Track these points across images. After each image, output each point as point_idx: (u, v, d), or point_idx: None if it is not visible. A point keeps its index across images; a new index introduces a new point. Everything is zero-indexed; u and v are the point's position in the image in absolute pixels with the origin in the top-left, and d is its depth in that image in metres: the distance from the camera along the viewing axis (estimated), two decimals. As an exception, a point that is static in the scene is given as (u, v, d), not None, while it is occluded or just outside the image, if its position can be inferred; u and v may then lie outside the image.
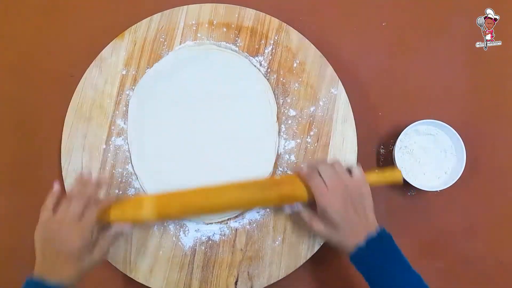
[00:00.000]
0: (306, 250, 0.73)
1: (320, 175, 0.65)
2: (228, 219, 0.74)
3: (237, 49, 0.78)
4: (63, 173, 0.75)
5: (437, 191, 0.75)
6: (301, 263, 0.72)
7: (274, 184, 0.68)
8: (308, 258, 0.73)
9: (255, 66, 0.77)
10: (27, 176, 0.79)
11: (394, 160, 0.75)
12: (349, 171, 0.66)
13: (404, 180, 0.71)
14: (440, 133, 0.76)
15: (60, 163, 0.75)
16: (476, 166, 0.77)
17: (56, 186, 0.65)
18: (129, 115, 0.76)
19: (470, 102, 0.81)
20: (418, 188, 0.73)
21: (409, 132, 0.75)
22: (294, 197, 0.67)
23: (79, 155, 0.75)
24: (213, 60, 0.77)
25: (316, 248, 0.73)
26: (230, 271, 0.72)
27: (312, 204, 0.66)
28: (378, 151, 0.80)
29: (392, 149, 0.77)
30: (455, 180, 0.73)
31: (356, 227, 0.63)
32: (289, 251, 0.73)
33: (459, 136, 0.74)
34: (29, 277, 0.60)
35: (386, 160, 0.79)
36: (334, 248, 0.65)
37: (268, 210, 0.74)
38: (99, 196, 0.67)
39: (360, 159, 0.75)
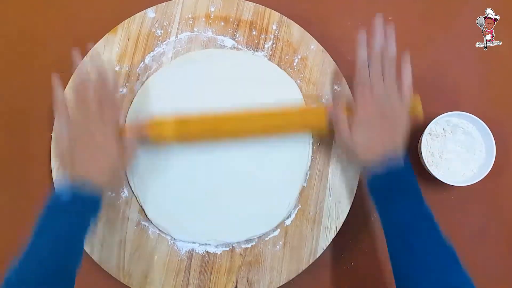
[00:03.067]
0: (308, 255, 0.70)
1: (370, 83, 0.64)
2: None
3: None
4: (53, 174, 0.72)
5: (455, 187, 0.72)
6: (303, 269, 0.70)
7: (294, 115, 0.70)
8: (310, 263, 0.70)
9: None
10: (15, 177, 0.76)
11: (420, 149, 0.72)
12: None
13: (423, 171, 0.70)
14: (473, 129, 0.73)
15: (50, 164, 0.72)
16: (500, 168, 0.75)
17: (55, 80, 0.64)
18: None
19: (477, 101, 0.79)
20: (439, 181, 0.71)
21: (440, 122, 0.73)
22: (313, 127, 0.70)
23: (70, 155, 0.72)
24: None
25: (319, 253, 0.70)
26: (228, 276, 0.70)
27: None
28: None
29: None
30: (477, 180, 0.71)
31: (383, 141, 0.62)
32: (290, 256, 0.70)
33: (491, 135, 0.72)
34: (57, 186, 0.58)
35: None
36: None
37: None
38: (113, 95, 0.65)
39: (365, 159, 0.72)
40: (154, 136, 0.67)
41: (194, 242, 0.71)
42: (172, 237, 0.71)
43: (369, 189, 0.63)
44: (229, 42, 0.75)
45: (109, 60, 0.70)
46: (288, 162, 0.72)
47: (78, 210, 0.57)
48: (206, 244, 0.71)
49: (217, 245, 0.71)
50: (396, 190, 0.60)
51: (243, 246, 0.71)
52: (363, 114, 0.63)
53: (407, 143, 0.76)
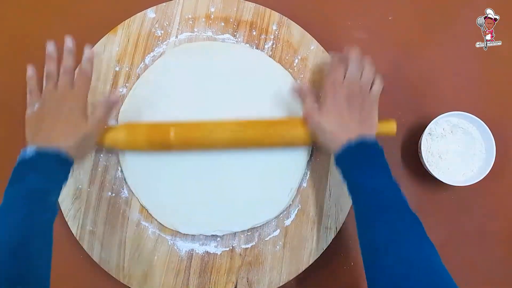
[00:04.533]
0: (308, 255, 0.70)
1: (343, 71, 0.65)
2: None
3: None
4: (53, 174, 0.71)
5: (455, 187, 0.72)
6: (303, 269, 0.70)
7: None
8: (310, 263, 0.70)
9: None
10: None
11: (420, 149, 0.72)
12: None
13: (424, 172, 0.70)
14: (473, 129, 0.73)
15: (51, 164, 0.72)
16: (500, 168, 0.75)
17: (30, 71, 0.66)
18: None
19: (479, 101, 0.79)
20: (439, 181, 0.71)
21: (440, 122, 0.73)
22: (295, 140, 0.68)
23: (70, 155, 0.72)
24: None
25: (319, 253, 0.70)
26: (228, 277, 0.70)
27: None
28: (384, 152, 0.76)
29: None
30: (477, 180, 0.70)
31: (352, 128, 0.62)
32: (290, 256, 0.70)
33: (491, 135, 0.71)
34: (22, 149, 0.58)
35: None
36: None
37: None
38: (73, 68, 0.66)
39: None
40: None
41: (194, 242, 0.70)
42: (176, 232, 0.70)
43: (336, 162, 0.63)
44: (229, 42, 0.75)
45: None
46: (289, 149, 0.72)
47: (44, 165, 0.57)
48: (211, 235, 0.70)
49: (217, 245, 0.71)
50: (363, 160, 0.60)
51: (243, 246, 0.71)
52: (332, 96, 0.64)
53: (406, 143, 0.77)
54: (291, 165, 0.72)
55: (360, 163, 0.60)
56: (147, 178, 0.71)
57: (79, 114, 0.62)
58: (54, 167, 0.58)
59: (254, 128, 0.68)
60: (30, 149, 0.57)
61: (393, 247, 0.53)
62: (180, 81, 0.73)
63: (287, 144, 0.70)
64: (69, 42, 0.66)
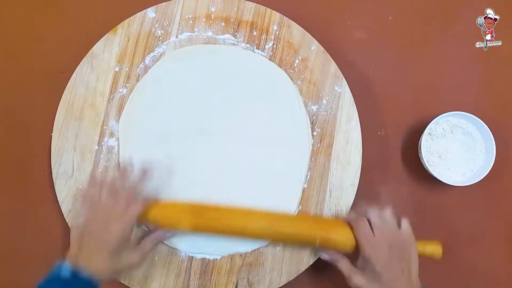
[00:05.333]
0: (308, 255, 0.70)
1: (368, 222, 0.63)
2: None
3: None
4: (53, 175, 0.72)
5: (455, 187, 0.72)
6: (303, 269, 0.70)
7: (320, 223, 0.67)
8: (310, 264, 0.70)
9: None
10: (15, 178, 0.76)
11: (420, 149, 0.72)
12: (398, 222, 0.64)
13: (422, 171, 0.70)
14: (473, 129, 0.73)
15: (50, 165, 0.72)
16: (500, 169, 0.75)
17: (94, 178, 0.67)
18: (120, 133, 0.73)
19: (479, 101, 0.78)
20: (439, 181, 0.71)
21: (440, 122, 0.73)
22: (338, 243, 0.65)
23: (70, 156, 0.72)
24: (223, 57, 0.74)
25: (319, 254, 0.69)
26: (229, 277, 0.70)
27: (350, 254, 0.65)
28: (384, 152, 0.77)
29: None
30: (477, 180, 0.71)
31: (398, 282, 0.60)
32: (290, 257, 0.70)
33: (491, 135, 0.71)
34: (60, 261, 0.58)
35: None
36: None
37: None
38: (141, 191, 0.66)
39: (365, 160, 0.72)
40: (167, 227, 0.67)
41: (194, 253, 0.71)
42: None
43: None
44: (229, 42, 0.75)
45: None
46: (288, 157, 0.72)
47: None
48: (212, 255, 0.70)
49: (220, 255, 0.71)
50: None
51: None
52: (369, 259, 0.61)
53: (406, 143, 0.77)
54: (292, 185, 0.72)
55: None
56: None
57: (123, 242, 0.61)
58: None
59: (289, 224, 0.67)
60: (66, 268, 0.57)
61: None
62: (179, 87, 0.73)
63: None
64: (146, 167, 0.67)
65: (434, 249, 0.66)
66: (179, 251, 0.70)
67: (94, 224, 0.61)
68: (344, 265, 0.64)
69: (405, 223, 0.64)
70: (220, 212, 0.66)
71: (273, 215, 0.67)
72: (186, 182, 0.71)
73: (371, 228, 0.63)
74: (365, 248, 0.62)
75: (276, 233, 0.66)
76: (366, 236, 0.62)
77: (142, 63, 0.74)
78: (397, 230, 0.63)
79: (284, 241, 0.69)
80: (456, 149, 0.73)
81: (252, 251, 0.70)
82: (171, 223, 0.66)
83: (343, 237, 0.64)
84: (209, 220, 0.66)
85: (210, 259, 0.70)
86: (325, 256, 0.67)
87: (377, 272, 0.60)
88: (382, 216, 0.64)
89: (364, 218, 0.64)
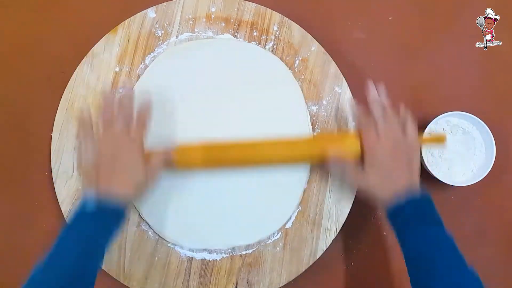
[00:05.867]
0: (308, 256, 0.70)
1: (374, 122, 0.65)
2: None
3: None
4: (53, 175, 0.71)
5: (455, 187, 0.72)
6: (303, 270, 0.70)
7: (328, 141, 0.69)
8: (310, 264, 0.70)
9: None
10: (15, 178, 0.76)
11: (420, 149, 0.72)
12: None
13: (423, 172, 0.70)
14: (473, 129, 0.74)
15: (50, 165, 0.72)
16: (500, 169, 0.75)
17: (85, 113, 0.67)
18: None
19: (478, 101, 0.79)
20: (439, 181, 0.71)
21: (440, 122, 0.73)
22: (348, 155, 0.67)
23: (70, 156, 0.72)
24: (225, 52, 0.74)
25: (319, 254, 0.70)
26: (228, 278, 0.70)
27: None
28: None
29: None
30: (477, 180, 0.71)
31: (397, 177, 0.62)
32: (290, 257, 0.70)
33: (491, 135, 0.72)
34: (84, 199, 0.59)
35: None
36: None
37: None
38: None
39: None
40: (181, 162, 0.67)
41: (193, 251, 0.70)
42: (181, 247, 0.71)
43: (389, 219, 0.62)
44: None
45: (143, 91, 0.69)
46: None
47: (102, 220, 0.58)
48: (213, 251, 0.70)
49: (219, 254, 0.71)
50: (415, 219, 0.60)
51: (243, 248, 0.71)
52: (372, 156, 0.64)
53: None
54: (293, 179, 0.72)
55: (413, 224, 0.60)
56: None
57: (137, 163, 0.63)
58: (112, 221, 0.59)
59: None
60: (90, 202, 0.58)
61: None
62: (179, 84, 0.73)
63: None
64: (130, 90, 0.69)
65: (439, 137, 0.70)
66: (181, 247, 0.70)
67: (103, 151, 0.62)
68: (350, 165, 0.66)
69: (410, 127, 0.65)
70: (230, 145, 0.68)
71: (282, 141, 0.69)
72: (186, 190, 0.71)
73: (377, 126, 0.65)
74: (369, 143, 0.64)
75: (288, 156, 0.69)
76: (371, 134, 0.65)
77: (142, 63, 0.74)
78: (401, 134, 0.65)
79: (296, 161, 0.71)
80: (456, 149, 0.74)
81: (252, 251, 0.70)
82: (185, 159, 0.67)
83: (353, 149, 0.66)
84: (220, 151, 0.68)
85: (210, 259, 0.70)
86: (333, 155, 0.67)
87: (378, 164, 0.63)
88: (386, 117, 0.65)
89: (370, 121, 0.66)
